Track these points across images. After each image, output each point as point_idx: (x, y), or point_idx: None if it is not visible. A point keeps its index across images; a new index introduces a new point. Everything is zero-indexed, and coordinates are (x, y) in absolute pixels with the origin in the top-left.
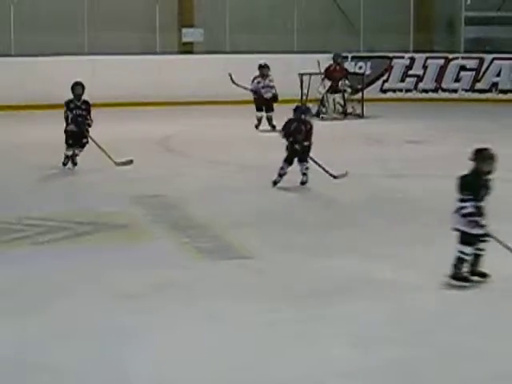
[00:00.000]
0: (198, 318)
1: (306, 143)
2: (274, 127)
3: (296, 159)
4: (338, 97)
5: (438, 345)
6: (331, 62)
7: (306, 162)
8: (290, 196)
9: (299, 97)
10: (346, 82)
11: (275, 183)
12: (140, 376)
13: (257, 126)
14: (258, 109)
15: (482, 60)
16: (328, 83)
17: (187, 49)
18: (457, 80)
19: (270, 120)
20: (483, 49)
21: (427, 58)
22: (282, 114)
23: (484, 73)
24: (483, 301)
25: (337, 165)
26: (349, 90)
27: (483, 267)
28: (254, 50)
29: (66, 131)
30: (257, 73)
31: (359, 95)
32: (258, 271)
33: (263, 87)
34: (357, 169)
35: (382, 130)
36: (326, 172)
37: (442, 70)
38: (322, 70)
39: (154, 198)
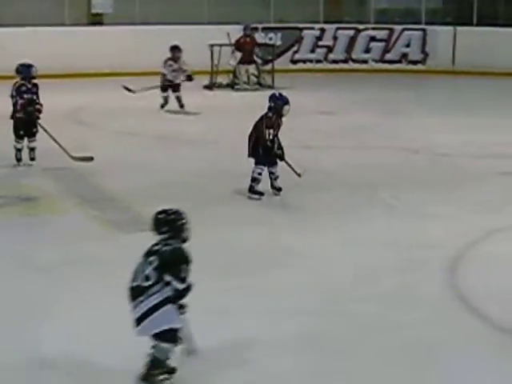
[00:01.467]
0: (111, 292)
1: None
2: (182, 106)
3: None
4: (251, 68)
5: (349, 315)
6: (242, 33)
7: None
8: (200, 168)
9: (210, 68)
10: (256, 50)
11: (260, 193)
12: (51, 350)
13: (163, 106)
14: (164, 89)
15: (391, 31)
16: (239, 55)
17: (96, 20)
18: (367, 51)
19: (179, 99)
20: (393, 20)
21: (337, 29)
22: (193, 88)
23: (394, 43)
24: (395, 271)
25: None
26: (259, 61)
27: None
28: (165, 21)
29: (14, 119)
30: (164, 48)
31: (270, 66)
32: None
33: (174, 71)
34: None
35: (293, 101)
36: (294, 171)
37: (352, 41)
38: (233, 42)
39: (65, 170)
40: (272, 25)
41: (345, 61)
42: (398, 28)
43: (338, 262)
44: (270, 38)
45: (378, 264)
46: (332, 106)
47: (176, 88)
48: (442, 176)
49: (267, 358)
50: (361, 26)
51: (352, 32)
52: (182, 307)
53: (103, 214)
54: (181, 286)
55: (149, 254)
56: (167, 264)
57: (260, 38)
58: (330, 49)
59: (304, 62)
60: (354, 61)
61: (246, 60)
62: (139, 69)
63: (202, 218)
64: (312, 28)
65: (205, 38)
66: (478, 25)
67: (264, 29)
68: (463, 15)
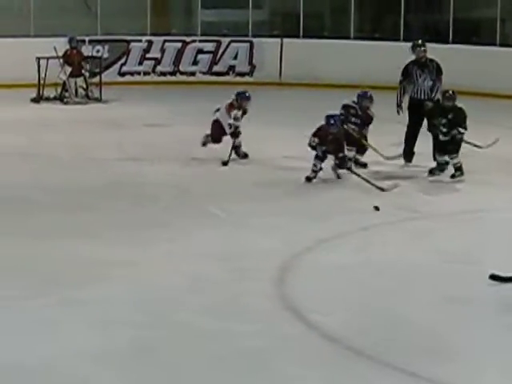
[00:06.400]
0: None
1: None
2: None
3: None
4: (79, 81)
5: (181, 326)
6: (68, 46)
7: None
8: (24, 181)
9: (37, 81)
10: (84, 63)
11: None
12: None
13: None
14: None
15: (219, 43)
16: (69, 68)
17: None
18: (194, 63)
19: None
20: (220, 32)
21: (165, 42)
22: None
23: (221, 56)
24: (225, 282)
25: (76, 149)
26: (86, 73)
27: None
28: None
29: None
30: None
31: (97, 79)
32: None
33: None
34: (96, 153)
35: (121, 113)
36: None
37: (180, 53)
38: (60, 55)
39: None
40: (99, 37)
41: (173, 73)
42: (225, 40)
43: (168, 274)
44: (98, 51)
45: (208, 275)
46: (160, 118)
47: None
48: (270, 187)
49: (97, 372)
50: (188, 39)
51: (179, 44)
52: None
53: None
54: None
55: None
56: None
57: (87, 50)
58: (157, 61)
59: (132, 74)
60: (182, 73)
61: (75, 73)
62: None
63: (25, 229)
64: (139, 40)
65: (31, 50)
66: (304, 37)
67: (91, 41)
68: (290, 28)
